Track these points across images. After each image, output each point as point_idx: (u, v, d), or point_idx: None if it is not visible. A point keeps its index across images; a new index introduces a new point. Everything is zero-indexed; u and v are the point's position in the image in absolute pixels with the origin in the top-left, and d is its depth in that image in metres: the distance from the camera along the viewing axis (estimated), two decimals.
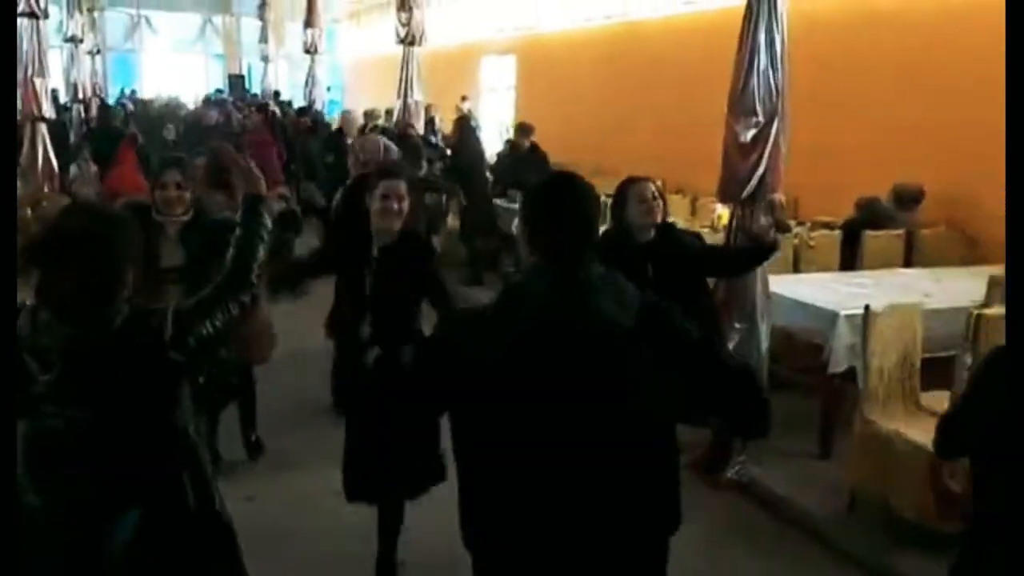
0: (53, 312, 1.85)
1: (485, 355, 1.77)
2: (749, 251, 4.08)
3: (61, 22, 13.62)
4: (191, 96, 19.51)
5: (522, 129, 9.45)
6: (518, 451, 1.77)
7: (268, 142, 9.85)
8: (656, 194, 3.67)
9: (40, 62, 7.35)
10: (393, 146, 6.18)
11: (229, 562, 2.16)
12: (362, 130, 10.70)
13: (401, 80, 9.58)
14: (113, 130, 10.55)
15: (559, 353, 1.75)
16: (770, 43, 4.26)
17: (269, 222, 2.14)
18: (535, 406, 1.75)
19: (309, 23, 13.11)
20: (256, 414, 4.41)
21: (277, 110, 13.14)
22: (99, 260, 1.86)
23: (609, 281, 1.83)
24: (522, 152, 9.06)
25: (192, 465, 2.04)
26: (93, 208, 2.23)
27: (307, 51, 13.10)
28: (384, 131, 10.97)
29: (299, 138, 11.27)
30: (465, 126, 9.23)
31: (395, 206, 3.15)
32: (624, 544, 1.80)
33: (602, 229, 4.12)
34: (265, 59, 17.24)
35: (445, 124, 13.68)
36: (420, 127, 10.36)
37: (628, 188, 3.69)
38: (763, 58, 4.27)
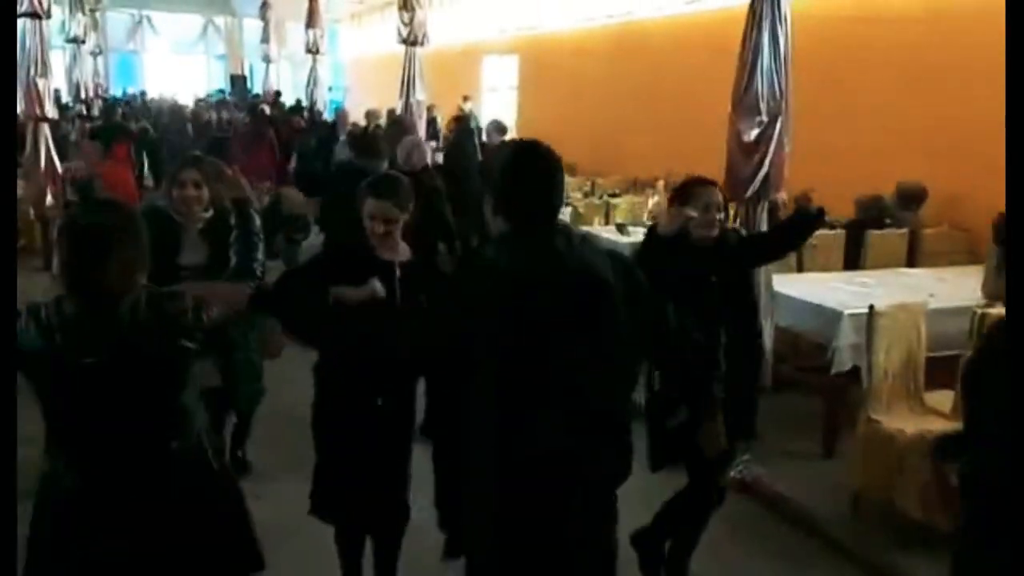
0: (85, 301, 2.00)
1: (473, 311, 1.98)
2: (795, 223, 3.68)
3: (63, 22, 13.63)
4: (191, 97, 19.55)
5: (494, 127, 9.41)
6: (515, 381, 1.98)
7: (256, 142, 9.80)
8: (720, 205, 3.25)
9: (42, 62, 7.36)
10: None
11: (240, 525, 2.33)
12: (364, 131, 10.70)
13: (403, 80, 9.57)
14: (116, 127, 10.58)
15: (536, 301, 1.94)
16: (774, 42, 4.27)
17: (258, 219, 2.44)
18: (517, 353, 1.94)
19: (311, 23, 13.11)
20: (249, 433, 4.40)
21: (267, 108, 13.11)
22: (127, 250, 2.03)
23: (580, 240, 2.05)
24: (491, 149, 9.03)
25: (199, 446, 2.22)
26: (114, 202, 2.35)
27: (309, 51, 13.11)
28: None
29: (294, 138, 11.24)
30: (462, 126, 9.17)
31: (380, 229, 2.89)
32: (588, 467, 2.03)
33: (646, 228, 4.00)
34: (267, 60, 17.22)
35: (446, 125, 13.70)
36: (422, 127, 10.36)
37: (692, 190, 3.26)
38: (767, 58, 4.27)
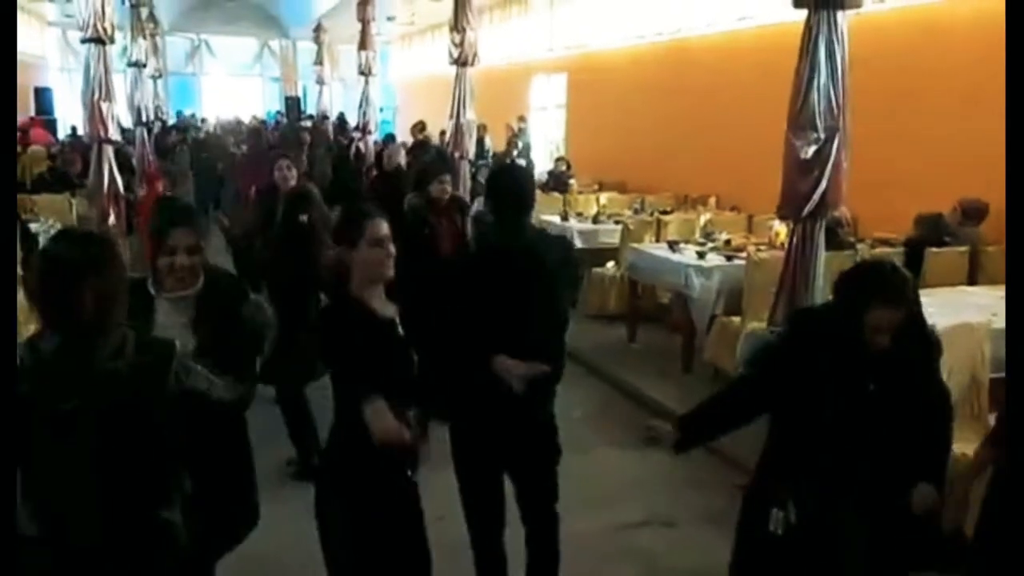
0: (66, 338, 1.86)
1: (467, 278, 3.07)
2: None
3: (125, 47, 14.02)
4: (247, 118, 19.97)
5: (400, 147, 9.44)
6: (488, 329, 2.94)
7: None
8: (893, 324, 2.45)
9: (106, 86, 7.55)
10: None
11: None
12: (420, 144, 10.83)
13: (453, 100, 9.63)
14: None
15: (505, 270, 2.96)
16: (830, 58, 4.20)
17: (269, 312, 2.26)
18: (492, 303, 2.91)
19: (363, 46, 13.28)
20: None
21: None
22: (106, 282, 1.90)
23: (542, 236, 3.20)
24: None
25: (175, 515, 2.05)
26: (90, 234, 2.25)
27: (361, 73, 13.27)
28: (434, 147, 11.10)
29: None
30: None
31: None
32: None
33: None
34: (320, 81, 17.54)
35: (495, 143, 13.78)
36: (471, 146, 10.42)
37: (881, 292, 2.44)
38: (823, 74, 4.21)
